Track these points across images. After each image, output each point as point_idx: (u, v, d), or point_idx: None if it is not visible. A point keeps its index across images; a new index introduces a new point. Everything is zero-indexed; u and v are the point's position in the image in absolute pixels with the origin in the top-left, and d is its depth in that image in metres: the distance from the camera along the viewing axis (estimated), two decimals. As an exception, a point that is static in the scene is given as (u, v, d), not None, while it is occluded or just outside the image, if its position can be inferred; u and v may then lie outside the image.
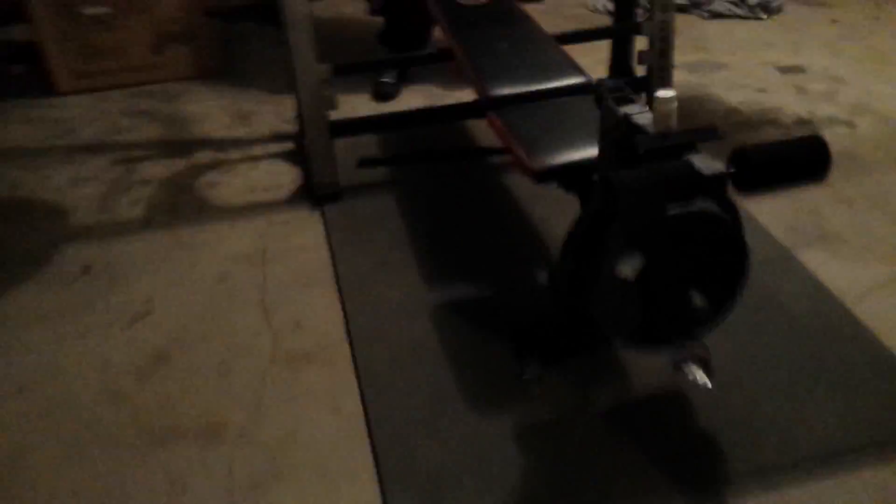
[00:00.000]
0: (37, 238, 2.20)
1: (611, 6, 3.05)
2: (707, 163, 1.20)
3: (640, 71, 2.38)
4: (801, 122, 2.57)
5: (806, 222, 2.09)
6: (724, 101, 2.70)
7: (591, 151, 1.47)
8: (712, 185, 1.19)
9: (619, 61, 2.59)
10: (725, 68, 2.93)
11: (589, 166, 1.45)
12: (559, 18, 3.40)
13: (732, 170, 1.21)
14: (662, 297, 1.30)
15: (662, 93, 1.27)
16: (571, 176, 1.52)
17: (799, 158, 1.22)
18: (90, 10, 2.81)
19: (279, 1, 1.98)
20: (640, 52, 2.37)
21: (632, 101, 1.40)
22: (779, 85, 2.80)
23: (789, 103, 2.68)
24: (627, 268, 1.27)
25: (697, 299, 1.29)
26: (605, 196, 1.21)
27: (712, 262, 1.32)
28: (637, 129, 1.31)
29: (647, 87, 2.35)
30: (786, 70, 2.91)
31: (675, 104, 1.28)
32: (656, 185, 1.19)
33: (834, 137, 2.47)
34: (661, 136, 1.26)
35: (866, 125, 2.54)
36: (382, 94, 2.83)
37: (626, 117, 1.35)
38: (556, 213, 2.05)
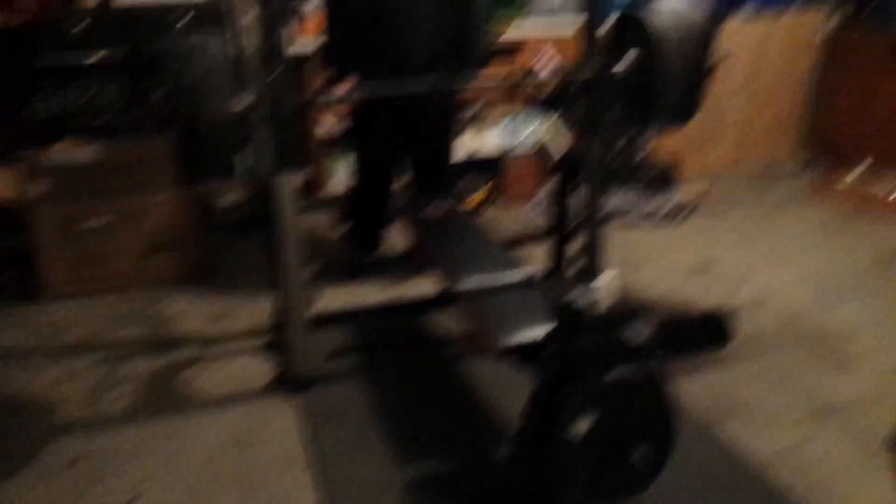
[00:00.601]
0: (26, 433, 2.34)
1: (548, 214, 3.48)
2: (638, 334, 1.51)
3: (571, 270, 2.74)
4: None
5: (720, 399, 2.38)
6: (648, 297, 3.07)
7: (545, 330, 1.76)
8: (645, 352, 1.49)
9: (557, 261, 2.97)
10: (639, 270, 3.33)
11: (543, 342, 1.73)
12: (506, 225, 3.85)
13: (659, 338, 1.52)
14: (606, 454, 1.55)
15: (599, 278, 1.60)
16: (530, 351, 1.81)
17: (706, 330, 1.54)
18: (88, 223, 3.11)
19: (273, 213, 2.30)
20: (575, 255, 2.75)
21: (575, 288, 1.73)
22: (688, 283, 3.22)
23: (698, 298, 3.05)
24: (581, 425, 1.54)
25: (635, 456, 1.54)
26: (561, 362, 1.49)
27: (644, 422, 1.59)
28: (579, 308, 1.62)
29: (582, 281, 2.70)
30: (695, 270, 3.34)
31: (610, 288, 1.61)
32: (603, 352, 1.48)
33: (740, 325, 2.82)
34: (599, 313, 1.58)
35: (768, 314, 2.93)
36: (348, 279, 3.20)
37: (572, 300, 1.66)
38: (509, 397, 2.29)
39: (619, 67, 2.52)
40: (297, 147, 2.27)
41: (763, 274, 3.28)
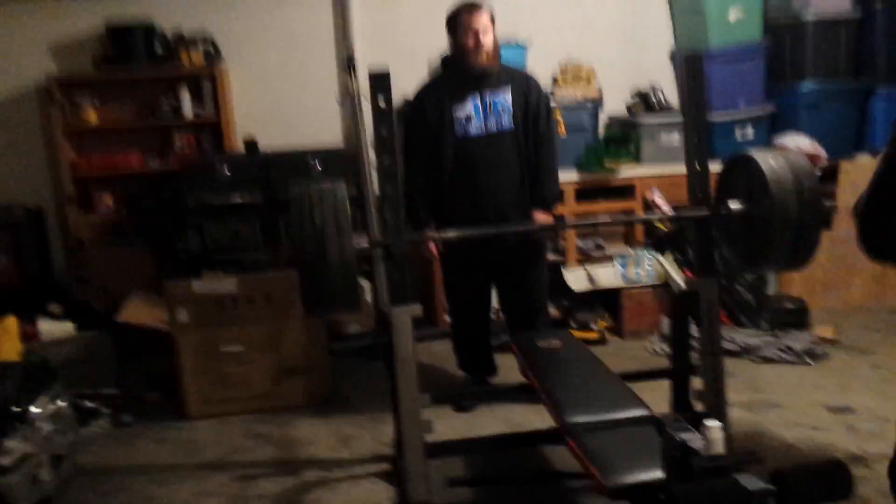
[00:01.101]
0: (163, 545, 2.48)
1: (668, 349, 3.46)
2: (752, 481, 1.49)
3: (698, 407, 2.69)
4: (853, 457, 2.78)
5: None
6: (780, 437, 2.95)
7: (656, 473, 1.75)
8: (758, 501, 1.46)
9: (679, 398, 2.92)
10: (779, 408, 3.22)
11: (654, 484, 1.72)
12: (623, 359, 3.83)
13: (773, 488, 1.48)
14: None
15: (709, 422, 1.60)
16: (639, 493, 1.79)
17: (826, 480, 1.49)
18: (226, 348, 3.37)
19: (392, 341, 2.43)
20: (698, 391, 2.70)
21: (688, 430, 1.72)
22: (829, 424, 3.06)
23: (840, 441, 2.91)
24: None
25: None
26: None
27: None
28: (692, 451, 1.62)
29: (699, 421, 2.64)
30: (836, 410, 3.18)
31: (721, 433, 1.60)
32: (714, 500, 1.47)
33: (885, 472, 2.66)
34: (712, 458, 1.56)
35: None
36: (462, 407, 3.31)
37: (684, 442, 1.66)
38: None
39: (731, 207, 2.56)
40: (409, 282, 2.41)
41: (905, 420, 3.08)
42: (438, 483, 2.59)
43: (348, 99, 2.74)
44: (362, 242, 2.44)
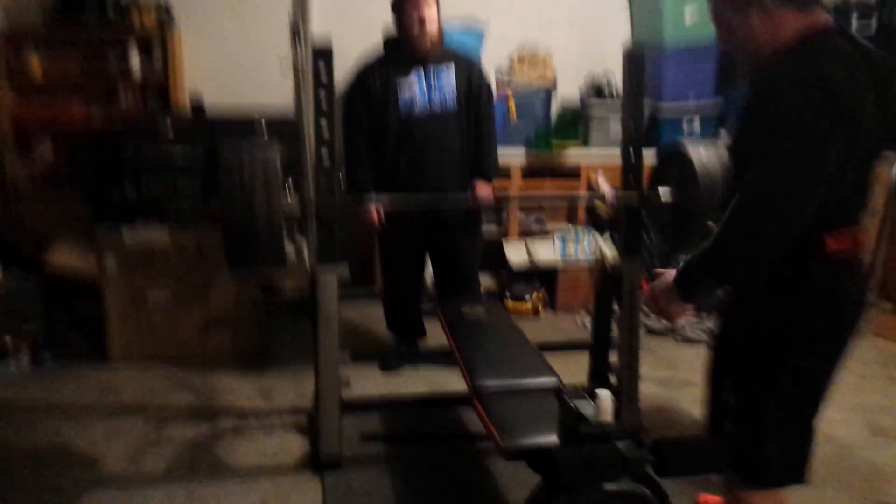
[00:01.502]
0: (67, 481, 2.48)
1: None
2: (631, 449, 1.54)
3: (615, 380, 2.77)
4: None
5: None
6: (689, 414, 3.05)
7: (552, 438, 1.80)
8: (635, 466, 1.52)
9: (596, 370, 2.99)
10: (693, 385, 3.32)
11: (549, 449, 1.77)
12: (552, 332, 3.90)
13: (651, 457, 1.54)
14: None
15: (601, 392, 1.65)
16: (533, 456, 1.84)
17: (703, 453, 1.56)
18: (154, 296, 3.34)
19: (315, 298, 2.45)
20: (613, 365, 2.78)
21: (583, 399, 1.77)
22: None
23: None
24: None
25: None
26: (550, 470, 1.53)
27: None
28: (582, 419, 1.67)
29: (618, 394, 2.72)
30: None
31: (611, 402, 1.65)
32: (592, 463, 1.52)
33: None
34: (598, 425, 1.62)
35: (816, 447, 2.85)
36: (388, 366, 3.38)
37: (576, 410, 1.71)
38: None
39: (660, 195, 2.62)
40: (336, 244, 2.44)
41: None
42: (353, 437, 2.63)
43: (292, 69, 2.73)
44: (294, 203, 2.45)
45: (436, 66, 3.12)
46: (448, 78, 3.13)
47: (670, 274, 1.68)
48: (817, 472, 2.64)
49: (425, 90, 3.10)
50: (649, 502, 1.56)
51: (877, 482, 2.62)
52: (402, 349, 3.47)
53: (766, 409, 1.66)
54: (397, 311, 3.51)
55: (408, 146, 3.12)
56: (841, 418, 3.09)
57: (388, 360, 3.38)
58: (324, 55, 2.34)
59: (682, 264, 1.66)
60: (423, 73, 3.10)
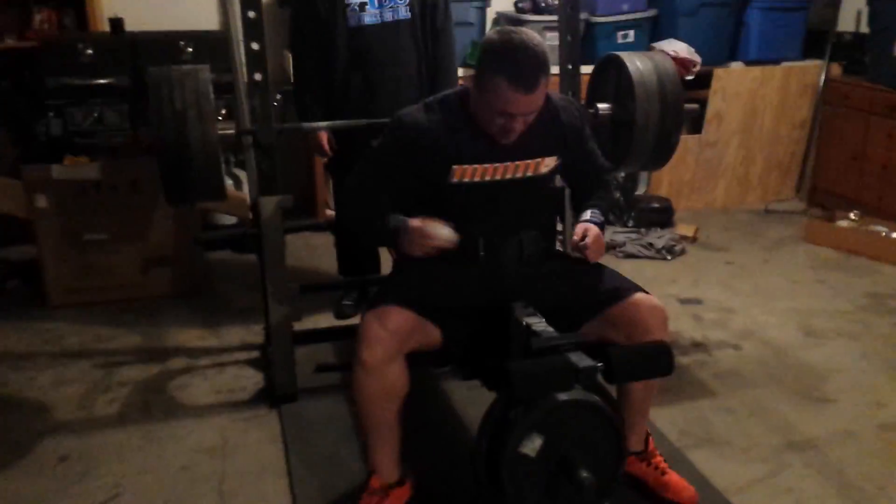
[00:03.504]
0: (20, 431, 2.45)
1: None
2: (581, 359, 1.59)
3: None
4: (696, 344, 3.02)
5: (695, 427, 2.45)
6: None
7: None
8: (585, 375, 1.57)
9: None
10: None
11: (503, 364, 1.81)
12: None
13: (601, 366, 1.59)
14: (554, 474, 1.62)
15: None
16: (487, 372, 1.89)
17: (650, 359, 1.62)
18: (90, 236, 3.25)
19: (260, 230, 2.42)
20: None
21: (533, 315, 1.81)
22: (678, 314, 3.29)
23: (686, 329, 3.14)
24: (527, 445, 1.62)
25: (585, 476, 1.60)
26: (505, 383, 1.57)
27: (594, 443, 1.66)
28: (533, 333, 1.71)
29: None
30: (685, 301, 3.42)
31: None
32: (545, 374, 1.57)
33: (722, 357, 2.92)
34: (549, 338, 1.66)
35: (751, 348, 2.99)
36: (342, 314, 3.25)
37: (527, 326, 1.75)
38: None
39: (598, 108, 2.63)
40: (277, 174, 2.39)
41: (751, 310, 3.34)
42: (306, 369, 2.64)
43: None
44: (225, 129, 2.38)
45: None
46: None
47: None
48: (754, 373, 2.80)
49: None
50: (599, 408, 1.62)
51: (811, 380, 2.77)
52: (354, 294, 3.31)
53: None
54: (352, 250, 3.32)
55: (359, 61, 2.91)
56: (775, 321, 3.23)
57: (343, 308, 3.26)
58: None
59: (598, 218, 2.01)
60: None
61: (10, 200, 3.36)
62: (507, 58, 1.76)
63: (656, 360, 1.62)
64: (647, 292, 1.97)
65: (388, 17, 2.91)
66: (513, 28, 1.84)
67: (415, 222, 1.87)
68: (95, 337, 3.07)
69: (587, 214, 2.01)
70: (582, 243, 1.91)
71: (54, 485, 2.19)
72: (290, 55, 4.10)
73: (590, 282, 2.00)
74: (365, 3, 2.88)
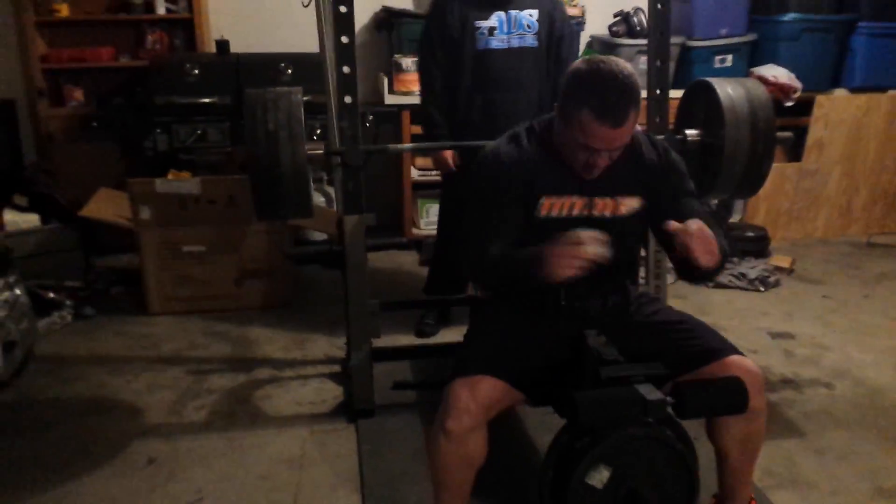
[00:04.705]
0: (113, 432, 2.59)
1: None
2: (650, 392, 1.57)
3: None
4: (785, 380, 2.90)
5: (780, 468, 2.36)
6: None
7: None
8: (654, 408, 1.54)
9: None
10: (722, 330, 3.26)
11: (570, 392, 1.80)
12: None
13: (671, 399, 1.57)
14: (623, 504, 1.60)
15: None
16: (560, 401, 1.88)
17: (723, 394, 1.58)
18: (189, 248, 3.42)
19: (343, 247, 2.49)
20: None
21: (605, 343, 1.79)
22: (769, 348, 3.17)
23: (776, 365, 3.03)
24: (594, 477, 1.60)
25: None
26: (570, 412, 1.57)
27: (664, 478, 1.63)
28: (604, 362, 1.69)
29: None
30: (777, 335, 3.29)
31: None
32: (610, 404, 1.55)
33: (813, 396, 2.79)
34: (618, 367, 1.64)
35: (844, 388, 2.86)
36: (423, 333, 3.29)
37: (598, 353, 1.73)
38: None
39: (687, 134, 2.59)
40: (361, 193, 2.46)
41: (847, 347, 3.19)
42: (384, 385, 2.69)
43: (315, 8, 2.69)
44: (319, 150, 2.47)
45: (518, 9, 2.98)
46: (531, 15, 2.98)
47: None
48: (846, 414, 2.67)
49: (504, 23, 2.96)
50: (670, 442, 1.59)
51: (905, 423, 2.62)
52: (435, 313, 3.35)
53: None
54: (445, 270, 3.31)
55: (482, 83, 2.98)
56: (871, 360, 3.08)
57: (424, 327, 3.29)
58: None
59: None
60: (504, 13, 2.97)
61: (117, 211, 3.58)
62: (595, 89, 1.69)
63: (730, 396, 1.58)
64: (742, 354, 1.83)
65: (515, 43, 2.98)
66: (602, 57, 1.78)
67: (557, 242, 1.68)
68: (189, 344, 3.22)
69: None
70: (686, 230, 1.65)
71: (142, 485, 2.30)
72: (385, 78, 4.25)
73: (680, 337, 1.88)
74: (494, 28, 2.96)
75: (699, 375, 1.76)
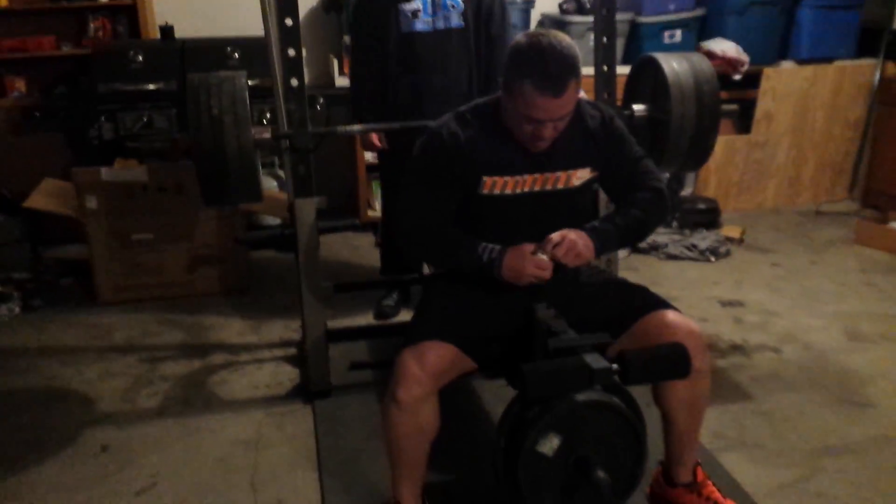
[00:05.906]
0: (66, 422, 2.55)
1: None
2: (596, 360, 1.59)
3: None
4: (735, 346, 2.97)
5: (728, 430, 2.42)
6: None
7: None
8: (600, 376, 1.57)
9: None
10: (674, 300, 3.31)
11: (519, 364, 1.82)
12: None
13: (616, 367, 1.59)
14: (571, 473, 1.63)
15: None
16: (511, 373, 1.90)
17: (666, 360, 1.61)
18: (138, 236, 3.37)
19: (295, 231, 2.47)
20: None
21: (555, 317, 1.81)
22: (719, 316, 3.24)
23: (726, 332, 3.09)
24: (544, 445, 1.62)
25: (602, 477, 1.60)
26: (520, 384, 1.58)
27: (613, 444, 1.65)
28: (552, 334, 1.71)
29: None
30: (727, 304, 3.36)
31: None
32: (558, 374, 1.57)
33: (761, 360, 2.86)
34: (566, 339, 1.67)
35: (792, 352, 2.93)
36: (383, 314, 3.28)
37: (546, 324, 1.76)
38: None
39: (634, 109, 2.62)
40: (312, 176, 2.44)
41: (795, 313, 3.27)
42: (341, 366, 2.69)
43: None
44: (267, 134, 2.45)
45: None
46: None
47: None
48: (793, 377, 2.75)
49: (429, 5, 2.91)
50: (617, 409, 1.62)
51: (852, 385, 2.70)
52: (395, 295, 3.35)
53: None
54: (396, 251, 3.26)
55: (408, 66, 2.96)
56: (819, 325, 3.16)
57: (384, 309, 3.29)
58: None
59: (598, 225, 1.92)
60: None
61: (62, 201, 3.51)
62: (534, 61, 1.72)
63: (672, 362, 1.61)
64: (677, 309, 1.89)
65: (441, 25, 2.94)
66: (542, 31, 1.81)
67: (514, 253, 1.83)
68: (142, 333, 3.18)
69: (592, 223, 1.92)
70: (553, 248, 1.82)
71: (95, 473, 2.28)
72: (335, 60, 4.21)
73: (622, 293, 1.96)
74: (418, 11, 2.92)
75: (635, 330, 1.84)
